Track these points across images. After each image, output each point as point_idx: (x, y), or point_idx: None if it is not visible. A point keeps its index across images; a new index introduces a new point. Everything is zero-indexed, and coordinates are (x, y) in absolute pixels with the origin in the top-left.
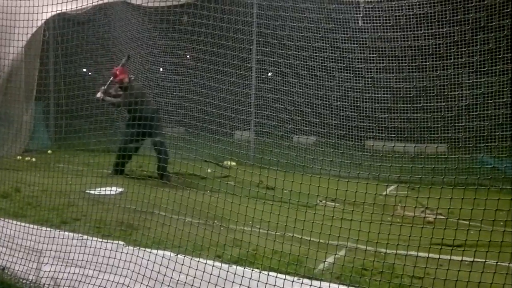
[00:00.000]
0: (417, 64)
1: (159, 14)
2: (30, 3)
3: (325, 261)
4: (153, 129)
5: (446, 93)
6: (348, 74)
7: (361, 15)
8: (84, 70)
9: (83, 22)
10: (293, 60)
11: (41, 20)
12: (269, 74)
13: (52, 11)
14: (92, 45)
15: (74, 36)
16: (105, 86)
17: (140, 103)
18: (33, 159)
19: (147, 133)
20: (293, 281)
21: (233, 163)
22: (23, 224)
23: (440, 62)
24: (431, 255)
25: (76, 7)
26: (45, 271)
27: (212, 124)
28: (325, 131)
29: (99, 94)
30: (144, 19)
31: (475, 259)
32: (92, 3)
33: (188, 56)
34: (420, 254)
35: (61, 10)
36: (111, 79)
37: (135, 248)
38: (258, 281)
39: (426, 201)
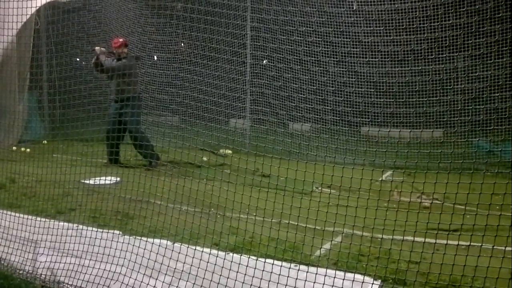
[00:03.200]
0: (412, 47)
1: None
2: None
3: (321, 248)
4: (132, 114)
5: (441, 77)
6: (341, 59)
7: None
8: (78, 59)
9: (75, 9)
10: (285, 46)
11: (33, 7)
12: (264, 61)
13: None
14: (84, 33)
15: (66, 24)
16: (99, 48)
17: (129, 81)
18: (28, 150)
19: (128, 117)
20: (289, 268)
21: (229, 151)
22: (18, 215)
23: (435, 45)
24: (427, 240)
25: None
26: (41, 262)
27: (207, 112)
28: (320, 117)
29: (97, 49)
30: (136, 5)
31: (472, 243)
32: None
33: (182, 44)
34: (417, 239)
35: None
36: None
37: (131, 237)
38: (255, 268)
39: (422, 186)
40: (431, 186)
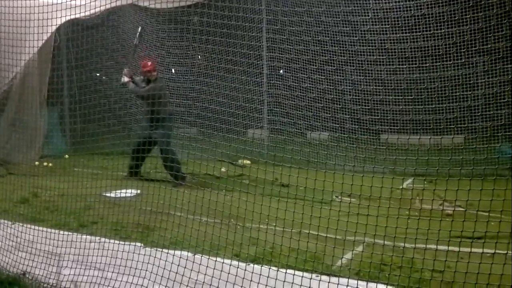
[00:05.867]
0: (429, 53)
1: (169, 15)
2: (42, 9)
3: (342, 257)
4: (164, 132)
5: (461, 82)
6: (357, 66)
7: (371, 6)
8: (98, 74)
9: (94, 26)
10: (303, 55)
11: (53, 25)
12: (281, 71)
13: (63, 16)
14: (103, 49)
15: (85, 40)
16: (127, 70)
17: (159, 103)
18: (50, 164)
19: (159, 136)
20: (311, 278)
21: (247, 162)
22: (42, 228)
23: (454, 49)
24: (450, 248)
25: (89, 11)
26: (65, 275)
27: (224, 123)
28: (338, 125)
29: (125, 79)
30: (153, 20)
31: (497, 251)
32: (102, 6)
33: (199, 57)
34: (440, 247)
35: (73, 15)
36: (130, 61)
37: (152, 249)
38: (276, 279)
39: (444, 193)
40: (454, 193)
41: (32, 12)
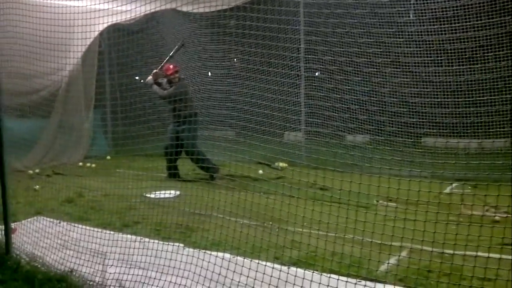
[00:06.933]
0: (467, 56)
1: (209, 19)
2: (86, 15)
3: (388, 263)
4: (189, 133)
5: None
6: (404, 68)
7: (412, 8)
8: (137, 78)
9: (136, 31)
10: (341, 58)
11: (97, 31)
12: (317, 73)
13: (106, 22)
14: (145, 54)
15: (127, 45)
16: (155, 72)
17: (182, 103)
18: (93, 165)
19: (184, 138)
20: (356, 283)
21: (284, 164)
22: (87, 227)
23: (491, 53)
24: (502, 256)
25: (130, 17)
26: (110, 273)
27: (261, 125)
28: (381, 128)
29: (149, 79)
30: (193, 25)
31: None
32: (144, 12)
33: (235, 59)
34: (490, 254)
35: (115, 21)
36: (160, 67)
37: (194, 250)
38: (320, 283)
39: (491, 199)
40: (503, 199)
41: (76, 18)
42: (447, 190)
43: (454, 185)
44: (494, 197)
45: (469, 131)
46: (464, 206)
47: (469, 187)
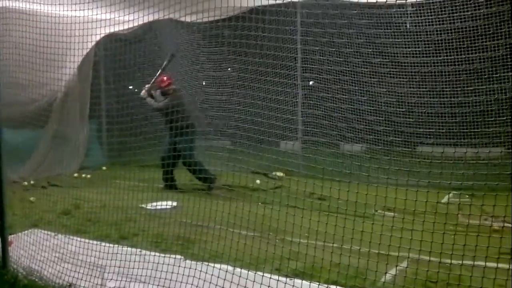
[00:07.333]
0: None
1: (204, 29)
2: (82, 25)
3: (386, 273)
4: (186, 143)
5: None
6: (394, 80)
7: (409, 18)
8: (130, 87)
9: (132, 41)
10: (338, 67)
11: (93, 42)
12: (311, 83)
13: (102, 33)
14: (141, 64)
15: (124, 56)
16: (149, 86)
17: (178, 114)
18: (89, 176)
19: (181, 148)
20: None
21: (281, 174)
22: (85, 240)
23: (489, 63)
24: (500, 265)
25: (128, 28)
26: (110, 287)
27: (258, 134)
28: (377, 138)
29: (143, 93)
30: (190, 35)
31: None
32: (140, 22)
33: (229, 69)
34: (488, 264)
35: (112, 31)
36: (153, 81)
37: (194, 262)
38: None
39: (490, 208)
40: (501, 209)
41: (73, 29)
42: (445, 199)
43: (451, 194)
44: (496, 207)
45: (465, 140)
46: (463, 215)
47: (467, 196)
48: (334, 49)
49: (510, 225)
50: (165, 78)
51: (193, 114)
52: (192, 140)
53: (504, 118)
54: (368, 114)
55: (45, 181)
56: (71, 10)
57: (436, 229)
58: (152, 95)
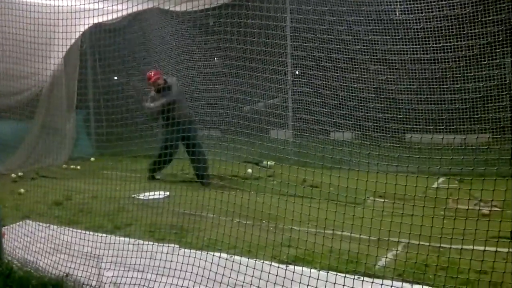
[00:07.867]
0: (453, 54)
1: (196, 19)
2: (67, 15)
3: (386, 257)
4: (188, 133)
5: (496, 83)
6: (382, 67)
7: (398, 6)
8: (115, 78)
9: (118, 30)
10: (324, 54)
11: (79, 32)
12: (297, 72)
13: (87, 24)
14: (127, 53)
15: (110, 45)
16: (146, 93)
17: (177, 104)
18: (78, 167)
19: (182, 138)
20: (354, 279)
21: (272, 163)
22: (78, 230)
23: (479, 50)
24: (491, 248)
25: (113, 18)
26: (107, 277)
27: (248, 123)
28: (364, 125)
29: (147, 104)
30: (177, 24)
31: None
32: (127, 12)
33: (215, 59)
34: (487, 248)
35: (98, 21)
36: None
37: (190, 250)
38: (318, 279)
39: (478, 193)
40: (489, 193)
41: (58, 18)
42: (435, 185)
43: (441, 179)
44: (484, 191)
45: (453, 127)
46: (454, 200)
47: (456, 182)
48: (325, 27)
49: (498, 209)
50: (152, 73)
51: (185, 104)
52: (195, 130)
53: (491, 104)
54: (357, 101)
55: (34, 172)
56: (57, 0)
57: (426, 214)
58: (148, 100)
